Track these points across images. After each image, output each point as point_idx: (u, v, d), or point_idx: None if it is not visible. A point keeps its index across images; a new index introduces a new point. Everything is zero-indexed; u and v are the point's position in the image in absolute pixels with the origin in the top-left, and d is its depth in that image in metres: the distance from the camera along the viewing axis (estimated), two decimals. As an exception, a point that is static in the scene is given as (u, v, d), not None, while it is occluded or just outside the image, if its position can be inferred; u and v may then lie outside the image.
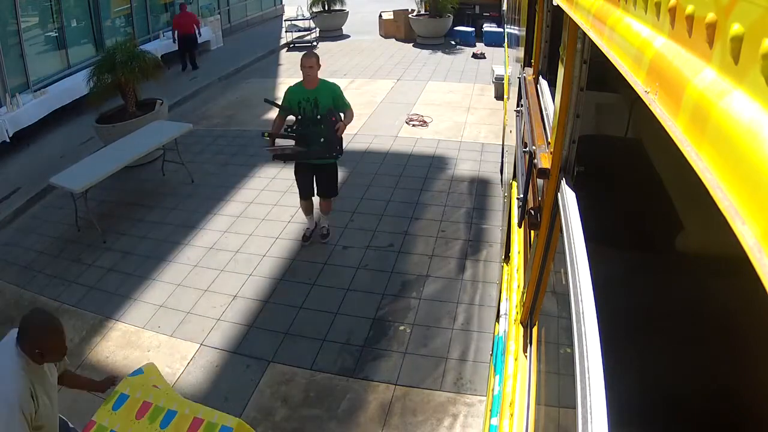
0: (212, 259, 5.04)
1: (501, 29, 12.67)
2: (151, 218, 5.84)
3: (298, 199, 4.99)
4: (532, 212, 1.89)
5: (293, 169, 4.86)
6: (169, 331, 4.15)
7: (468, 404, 3.34)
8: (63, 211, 6.23)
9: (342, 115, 4.54)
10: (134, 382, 2.80)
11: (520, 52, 4.13)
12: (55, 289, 4.74)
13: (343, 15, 15.54)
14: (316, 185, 4.85)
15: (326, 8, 15.32)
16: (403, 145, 7.21)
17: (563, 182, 1.53)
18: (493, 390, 2.25)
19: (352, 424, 3.28)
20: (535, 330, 1.94)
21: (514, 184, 3.29)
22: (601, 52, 0.85)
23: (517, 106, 3.42)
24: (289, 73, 11.17)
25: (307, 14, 15.31)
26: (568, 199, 1.42)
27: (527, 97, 2.68)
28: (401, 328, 4.02)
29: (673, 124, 0.52)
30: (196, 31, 10.47)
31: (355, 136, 7.45)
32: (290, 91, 4.54)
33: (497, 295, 3.61)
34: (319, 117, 4.40)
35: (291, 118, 4.57)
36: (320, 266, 4.78)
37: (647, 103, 0.60)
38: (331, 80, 4.62)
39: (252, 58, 12.76)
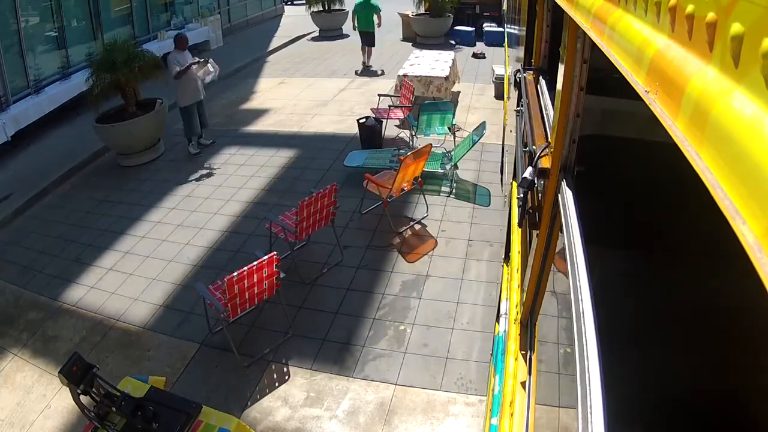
0: (212, 258, 5.04)
1: (501, 29, 12.68)
2: (151, 218, 5.85)
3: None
4: (532, 212, 1.89)
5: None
6: (169, 331, 4.15)
7: (468, 404, 3.34)
8: (63, 210, 6.24)
9: None
10: (134, 382, 2.81)
11: (520, 52, 4.13)
12: (55, 289, 4.75)
13: (343, 15, 15.53)
14: None
15: (326, 8, 15.32)
16: (403, 145, 7.20)
17: (563, 182, 1.53)
18: (493, 390, 2.25)
19: (352, 424, 3.28)
20: (535, 330, 1.94)
21: (515, 184, 3.28)
22: (602, 52, 0.85)
23: (517, 106, 3.42)
24: (289, 73, 11.14)
25: None
26: (568, 199, 1.42)
27: (527, 97, 2.68)
28: (401, 327, 4.02)
29: (673, 124, 0.52)
30: None
31: (355, 135, 7.44)
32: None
33: (497, 295, 3.61)
34: None
35: None
36: (320, 266, 4.78)
37: (647, 103, 0.60)
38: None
39: (252, 57, 12.75)
